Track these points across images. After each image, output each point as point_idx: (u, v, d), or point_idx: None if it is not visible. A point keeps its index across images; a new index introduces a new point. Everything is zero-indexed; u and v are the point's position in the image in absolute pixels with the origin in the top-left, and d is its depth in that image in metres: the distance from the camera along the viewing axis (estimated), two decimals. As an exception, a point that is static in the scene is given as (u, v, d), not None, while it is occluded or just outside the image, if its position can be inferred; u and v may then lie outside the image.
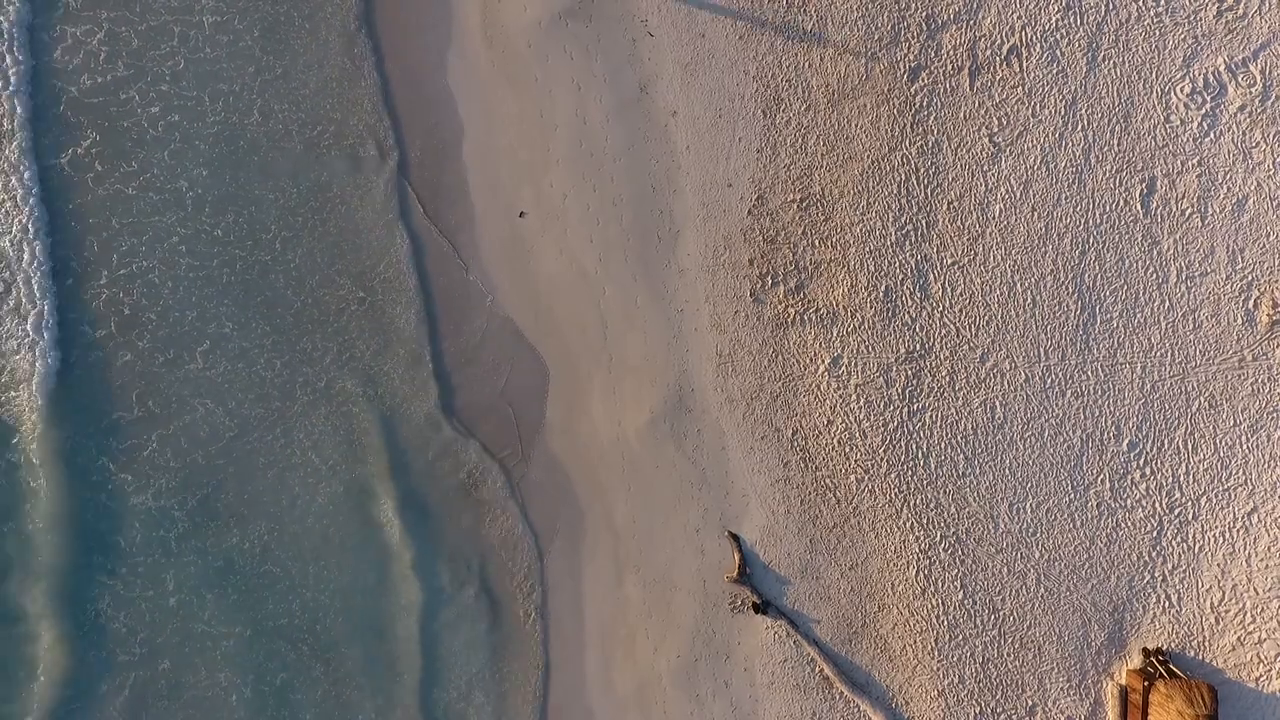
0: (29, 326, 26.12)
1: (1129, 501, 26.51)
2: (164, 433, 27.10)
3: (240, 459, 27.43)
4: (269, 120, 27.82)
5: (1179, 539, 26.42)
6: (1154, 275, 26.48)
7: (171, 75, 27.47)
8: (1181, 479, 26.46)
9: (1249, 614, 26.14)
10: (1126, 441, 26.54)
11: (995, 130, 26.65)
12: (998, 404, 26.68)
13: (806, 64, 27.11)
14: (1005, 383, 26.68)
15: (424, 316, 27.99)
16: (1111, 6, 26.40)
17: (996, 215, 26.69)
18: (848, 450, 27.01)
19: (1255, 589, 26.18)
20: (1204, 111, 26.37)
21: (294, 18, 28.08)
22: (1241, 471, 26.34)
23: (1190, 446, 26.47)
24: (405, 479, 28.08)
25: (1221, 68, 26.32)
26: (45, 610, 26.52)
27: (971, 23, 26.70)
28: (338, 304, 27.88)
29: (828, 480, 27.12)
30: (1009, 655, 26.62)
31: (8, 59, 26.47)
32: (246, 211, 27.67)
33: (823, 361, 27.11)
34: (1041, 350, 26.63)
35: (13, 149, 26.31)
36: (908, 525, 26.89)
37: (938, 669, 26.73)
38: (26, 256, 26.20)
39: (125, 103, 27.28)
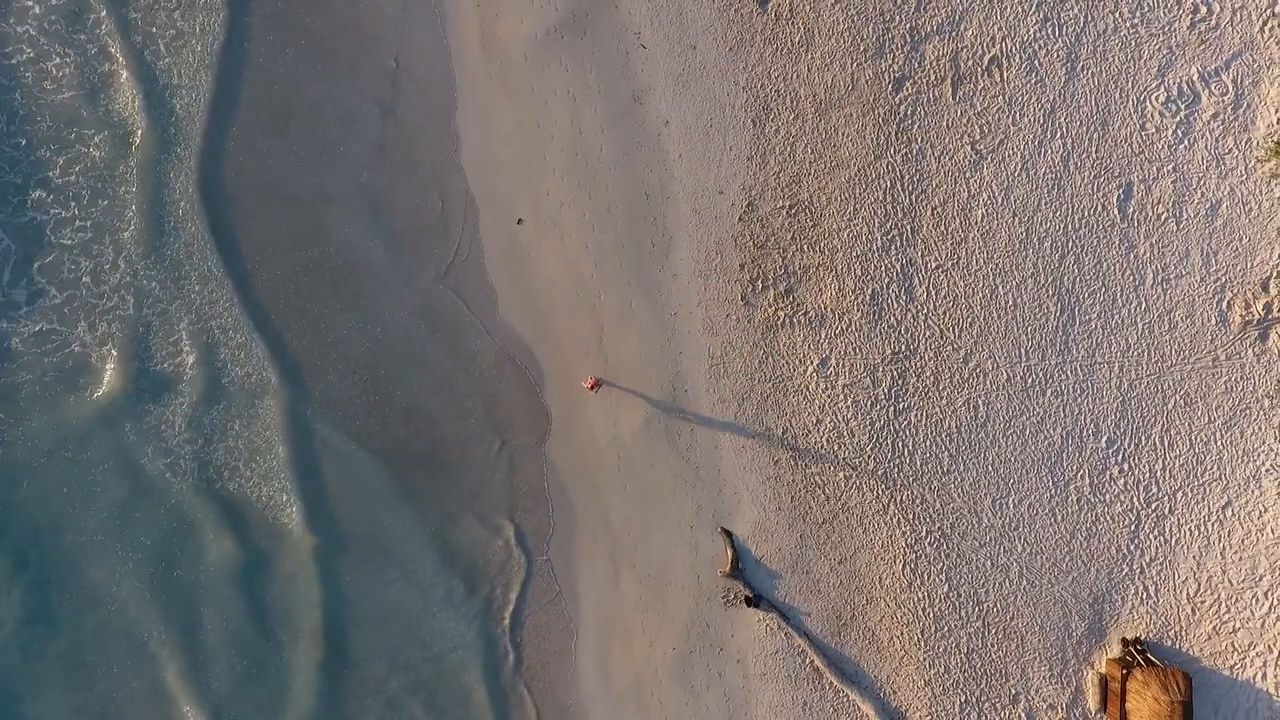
0: (256, 358, 29.05)
1: (1108, 496, 27.34)
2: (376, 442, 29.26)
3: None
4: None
5: (1156, 532, 27.27)
6: (1131, 278, 27.31)
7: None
8: (1158, 474, 27.31)
9: (1224, 604, 26.99)
10: (1105, 438, 27.37)
11: (977, 138, 27.46)
12: (980, 403, 27.51)
13: (795, 75, 27.89)
14: (988, 382, 27.51)
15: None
16: (1089, 19, 27.20)
17: (979, 220, 27.50)
18: (836, 448, 27.81)
19: (1230, 580, 27.03)
20: (1179, 119, 27.18)
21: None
22: (1216, 467, 27.17)
23: (1166, 443, 27.30)
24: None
25: (1195, 77, 27.14)
26: (300, 625, 28.87)
27: (954, 34, 27.49)
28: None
29: (817, 478, 27.90)
30: (993, 646, 27.44)
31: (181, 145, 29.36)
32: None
33: (811, 363, 27.90)
34: (1022, 350, 27.45)
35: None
36: (894, 521, 27.69)
37: (924, 659, 27.53)
38: (227, 302, 29.26)
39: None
